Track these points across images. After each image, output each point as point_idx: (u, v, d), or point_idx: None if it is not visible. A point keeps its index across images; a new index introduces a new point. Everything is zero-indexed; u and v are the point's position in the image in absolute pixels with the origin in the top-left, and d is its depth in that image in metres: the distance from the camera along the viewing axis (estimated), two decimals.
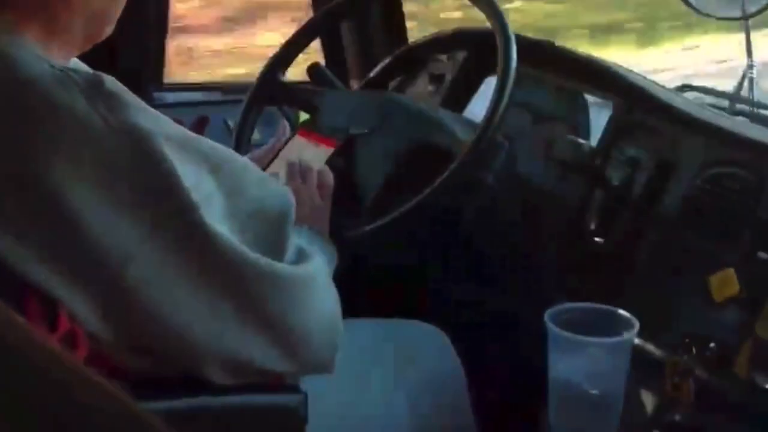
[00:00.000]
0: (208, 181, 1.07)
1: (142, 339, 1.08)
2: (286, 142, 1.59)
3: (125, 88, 1.07)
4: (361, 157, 1.59)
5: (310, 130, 1.62)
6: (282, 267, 1.08)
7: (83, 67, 1.18)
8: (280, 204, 1.14)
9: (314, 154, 1.57)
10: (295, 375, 1.16)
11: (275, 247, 1.10)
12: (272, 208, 1.12)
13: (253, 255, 1.06)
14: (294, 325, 1.09)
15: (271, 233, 1.11)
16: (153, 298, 1.04)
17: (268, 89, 1.79)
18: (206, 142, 1.11)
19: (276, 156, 1.58)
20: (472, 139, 1.47)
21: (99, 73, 1.06)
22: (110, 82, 1.05)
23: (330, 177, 1.44)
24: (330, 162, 1.56)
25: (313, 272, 1.12)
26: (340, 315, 1.17)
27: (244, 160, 1.17)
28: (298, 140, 1.61)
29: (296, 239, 1.24)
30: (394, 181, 1.52)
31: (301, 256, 1.15)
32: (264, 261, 1.07)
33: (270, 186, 1.15)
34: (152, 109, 1.08)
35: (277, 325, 1.08)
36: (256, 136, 1.82)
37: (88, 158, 1.01)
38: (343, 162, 1.59)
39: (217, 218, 1.05)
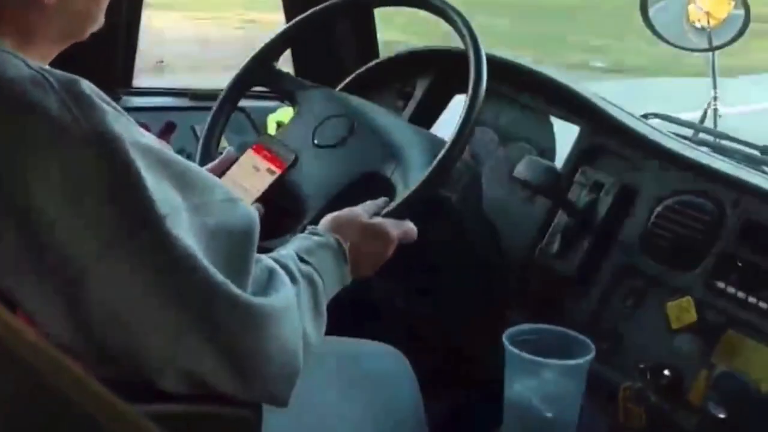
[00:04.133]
0: (175, 194, 1.06)
1: (103, 347, 1.05)
2: (234, 160, 1.60)
3: (100, 92, 1.06)
4: (315, 171, 1.59)
5: (266, 146, 1.61)
6: (242, 295, 1.06)
7: None
8: (245, 224, 1.12)
9: (261, 173, 1.57)
10: (247, 400, 1.13)
11: (237, 268, 1.08)
12: (237, 228, 1.11)
13: (216, 273, 1.05)
14: (249, 353, 1.06)
15: (234, 253, 1.09)
16: (113, 304, 1.02)
17: (260, 71, 1.78)
18: (175, 156, 1.10)
19: (226, 171, 1.58)
20: (438, 158, 1.47)
21: (74, 76, 1.05)
22: (85, 85, 1.04)
23: (408, 235, 1.43)
24: (281, 179, 1.56)
25: (276, 306, 1.09)
26: (306, 346, 1.14)
27: (212, 177, 1.15)
28: (251, 155, 1.61)
29: (287, 250, 1.23)
30: (338, 204, 1.52)
31: (270, 283, 1.13)
32: (227, 284, 1.05)
33: (236, 205, 1.14)
34: (126, 117, 1.07)
35: (232, 349, 1.06)
36: (223, 143, 1.81)
37: (57, 160, 1.00)
38: (296, 172, 1.59)
39: (181, 231, 1.04)
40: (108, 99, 1.07)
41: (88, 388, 0.48)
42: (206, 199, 1.10)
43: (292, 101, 1.76)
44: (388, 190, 1.52)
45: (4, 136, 1.00)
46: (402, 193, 1.47)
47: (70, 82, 1.04)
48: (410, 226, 1.44)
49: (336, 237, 1.31)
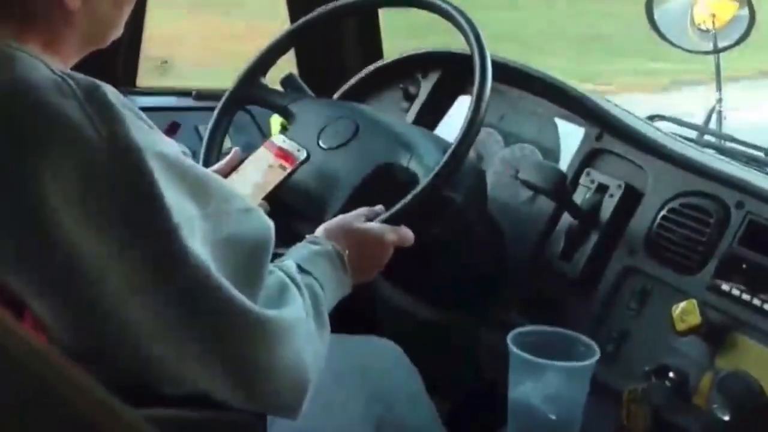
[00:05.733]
0: (192, 204, 1.05)
1: (112, 355, 1.05)
2: (241, 160, 1.60)
3: (122, 99, 1.05)
4: (328, 171, 1.59)
5: (277, 144, 1.62)
6: (254, 308, 1.05)
7: None
8: (260, 235, 1.12)
9: (273, 169, 1.57)
10: (256, 412, 1.12)
11: (250, 279, 1.08)
12: (251, 239, 1.11)
13: (228, 285, 1.04)
14: (259, 366, 1.06)
15: (247, 264, 1.09)
16: (121, 313, 1.02)
17: (249, 89, 1.78)
18: (194, 165, 1.10)
19: (234, 169, 1.59)
20: (444, 158, 1.47)
21: (97, 81, 1.05)
22: (108, 90, 1.04)
23: (404, 240, 1.44)
24: (292, 176, 1.56)
25: (287, 319, 1.09)
26: (314, 357, 1.13)
27: (229, 186, 1.15)
28: (262, 152, 1.61)
29: (287, 261, 1.23)
30: (358, 198, 1.52)
31: (282, 295, 1.13)
32: (238, 296, 1.04)
33: (252, 216, 1.14)
34: (147, 124, 1.07)
35: (240, 363, 1.05)
36: (226, 143, 1.81)
37: (74, 166, 0.99)
38: (307, 174, 1.59)
39: (196, 242, 1.03)
40: (131, 106, 1.06)
41: (93, 395, 0.48)
42: (222, 209, 1.09)
43: (287, 115, 1.75)
44: (408, 179, 1.52)
45: (22, 140, 1.00)
46: (422, 181, 1.47)
47: (93, 89, 1.03)
48: (406, 231, 1.44)
49: (334, 245, 1.31)
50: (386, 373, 1.50)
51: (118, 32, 1.20)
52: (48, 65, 1.05)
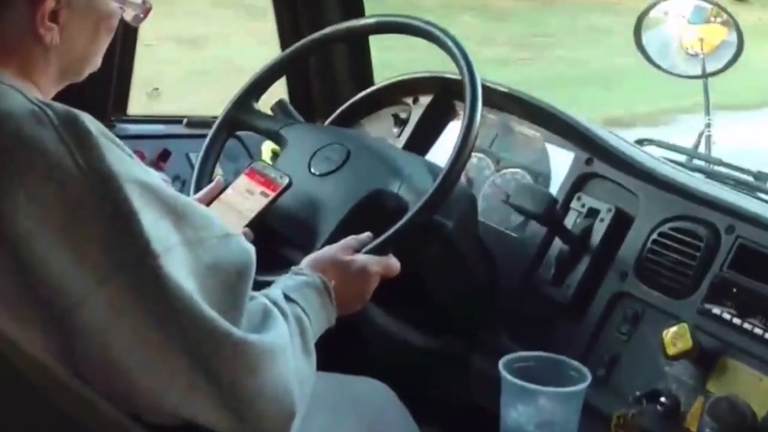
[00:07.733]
0: (171, 231, 1.06)
1: (87, 376, 1.04)
2: (223, 188, 1.60)
3: (100, 127, 1.06)
4: (319, 197, 1.59)
5: (258, 171, 1.61)
6: (236, 332, 1.06)
7: None
8: (240, 262, 1.12)
9: (255, 196, 1.57)
10: None
11: (232, 304, 1.08)
12: (232, 264, 1.11)
13: (209, 311, 1.04)
14: (243, 391, 1.06)
15: (228, 289, 1.09)
16: (104, 341, 1.01)
17: (240, 114, 1.78)
18: (173, 192, 1.10)
19: (216, 198, 1.59)
20: (434, 185, 1.47)
21: (76, 110, 1.05)
22: (86, 120, 1.04)
23: (389, 270, 1.44)
24: (277, 202, 1.56)
25: (270, 343, 1.09)
26: (301, 385, 1.13)
27: (209, 213, 1.15)
28: (243, 180, 1.61)
29: (274, 290, 1.22)
30: (349, 225, 1.52)
31: (264, 321, 1.13)
32: (220, 321, 1.05)
33: (232, 242, 1.14)
34: (126, 151, 1.07)
35: (225, 388, 1.05)
36: (217, 170, 1.81)
37: (52, 196, 1.00)
38: (297, 201, 1.59)
39: (176, 269, 1.03)
40: (110, 134, 1.07)
41: (96, 407, 0.48)
42: (202, 235, 1.09)
43: (279, 140, 1.76)
44: (398, 206, 1.52)
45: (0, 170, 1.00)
46: (413, 207, 1.47)
47: (71, 118, 1.04)
48: (392, 262, 1.44)
49: (320, 276, 1.31)
50: (378, 413, 1.50)
51: (94, 67, 1.22)
52: (25, 94, 1.06)
